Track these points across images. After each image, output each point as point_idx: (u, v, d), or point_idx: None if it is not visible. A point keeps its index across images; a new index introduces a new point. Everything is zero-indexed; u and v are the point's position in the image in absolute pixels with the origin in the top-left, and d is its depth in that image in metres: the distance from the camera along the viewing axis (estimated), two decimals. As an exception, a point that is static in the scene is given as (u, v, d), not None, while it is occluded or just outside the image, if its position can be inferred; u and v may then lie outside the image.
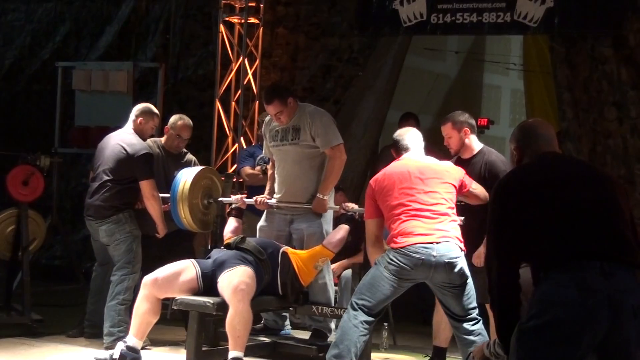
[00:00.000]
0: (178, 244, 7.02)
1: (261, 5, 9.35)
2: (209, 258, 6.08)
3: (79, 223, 9.96)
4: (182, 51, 10.44)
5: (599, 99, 8.24)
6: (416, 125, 7.79)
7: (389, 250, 5.37)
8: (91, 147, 8.78)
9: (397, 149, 5.73)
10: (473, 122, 6.28)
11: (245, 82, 9.23)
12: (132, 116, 6.90)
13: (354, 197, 8.55)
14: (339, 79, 9.49)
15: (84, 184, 10.00)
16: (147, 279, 5.90)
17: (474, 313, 5.45)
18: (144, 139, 6.88)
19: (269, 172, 6.85)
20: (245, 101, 9.28)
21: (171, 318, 7.19)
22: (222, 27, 9.32)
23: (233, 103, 9.34)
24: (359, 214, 6.35)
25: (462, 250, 5.39)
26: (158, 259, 6.42)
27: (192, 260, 6.04)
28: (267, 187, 6.79)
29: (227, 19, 9.35)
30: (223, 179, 6.97)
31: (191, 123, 7.24)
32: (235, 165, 8.99)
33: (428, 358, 6.49)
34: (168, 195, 6.64)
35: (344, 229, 6.36)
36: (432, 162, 5.65)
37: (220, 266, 5.89)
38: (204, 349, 5.97)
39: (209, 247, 6.79)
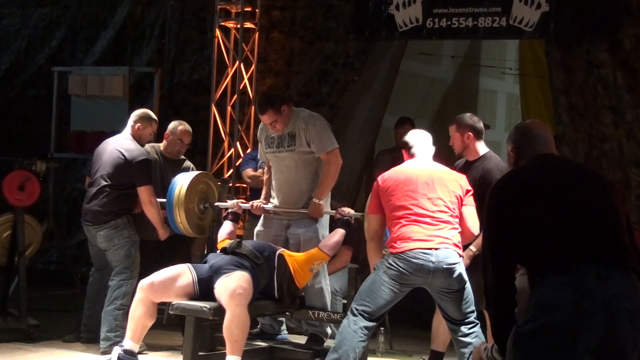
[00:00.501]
0: (176, 249, 7.01)
1: (257, 10, 9.35)
2: (205, 263, 6.08)
3: (75, 228, 9.97)
4: (177, 56, 10.44)
5: (595, 103, 8.25)
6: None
7: (388, 255, 5.38)
8: (87, 152, 8.81)
9: (408, 150, 5.73)
10: (480, 126, 6.19)
11: (241, 87, 9.23)
12: (130, 122, 6.91)
13: (350, 201, 8.56)
14: (335, 83, 9.49)
15: (79, 189, 10.01)
16: (143, 282, 5.89)
17: (472, 317, 5.47)
18: (142, 145, 6.88)
19: (265, 176, 6.86)
20: (241, 106, 9.27)
21: (167, 323, 7.18)
22: (218, 32, 9.33)
23: (229, 108, 9.33)
24: (355, 218, 6.37)
25: (460, 255, 5.40)
26: (155, 263, 6.41)
27: (189, 265, 6.03)
28: (264, 192, 6.80)
29: (223, 23, 9.35)
30: (219, 183, 6.97)
31: (190, 128, 7.25)
32: (231, 170, 9.00)
33: (424, 362, 6.50)
34: (165, 200, 6.63)
35: (339, 232, 6.36)
36: (442, 169, 5.65)
37: (216, 271, 5.88)
38: (200, 353, 5.96)
39: (205, 252, 6.79)
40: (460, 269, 5.37)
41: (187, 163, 7.31)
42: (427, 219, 5.37)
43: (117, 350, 5.89)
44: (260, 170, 7.75)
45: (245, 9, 9.22)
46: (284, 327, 6.90)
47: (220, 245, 6.31)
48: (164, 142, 7.21)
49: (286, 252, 6.28)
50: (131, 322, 5.89)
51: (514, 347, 3.49)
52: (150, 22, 10.75)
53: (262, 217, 6.71)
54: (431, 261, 5.28)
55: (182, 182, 6.56)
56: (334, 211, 6.49)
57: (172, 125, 7.21)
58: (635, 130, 8.06)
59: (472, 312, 5.46)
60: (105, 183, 6.68)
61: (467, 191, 5.59)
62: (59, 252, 10.23)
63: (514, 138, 3.91)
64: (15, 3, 11.54)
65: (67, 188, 10.74)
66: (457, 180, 5.60)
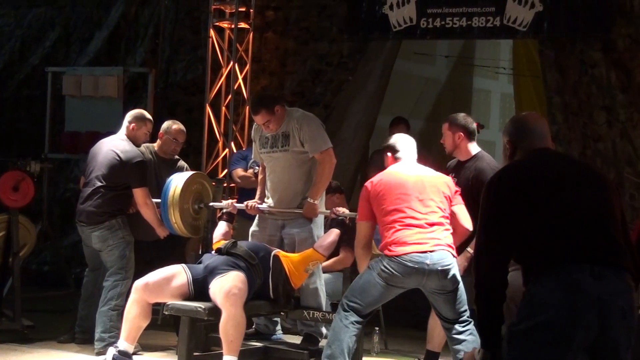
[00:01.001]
0: (171, 249, 7.00)
1: (251, 10, 9.35)
2: (200, 263, 6.08)
3: (69, 228, 9.96)
4: (171, 56, 10.43)
5: (589, 103, 8.27)
6: (406, 130, 7.82)
7: (383, 257, 5.38)
8: (81, 153, 8.80)
9: (394, 154, 5.73)
10: (473, 127, 6.18)
11: (235, 87, 9.23)
12: (125, 122, 6.90)
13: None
14: (329, 83, 9.49)
15: (72, 190, 9.99)
16: (138, 283, 5.89)
17: (465, 315, 5.49)
18: (138, 145, 6.88)
19: (260, 176, 6.85)
20: (236, 106, 9.27)
21: (162, 323, 7.19)
22: (212, 32, 9.32)
23: (223, 108, 9.33)
24: (350, 218, 6.37)
25: (454, 256, 5.43)
26: (150, 264, 6.41)
27: (183, 265, 6.02)
28: (258, 192, 6.79)
29: (217, 23, 9.35)
30: (214, 184, 6.97)
31: (184, 127, 7.25)
32: (225, 170, 8.99)
33: (419, 362, 6.51)
34: (159, 200, 6.63)
35: (334, 232, 6.36)
36: (430, 172, 5.68)
37: (211, 272, 5.88)
38: (195, 354, 5.96)
39: (200, 252, 6.79)
40: (455, 270, 5.39)
41: (181, 163, 7.31)
42: (421, 222, 5.38)
43: (111, 351, 5.88)
44: (250, 171, 7.75)
45: (240, 9, 9.22)
46: (279, 327, 6.90)
47: (215, 246, 6.31)
48: (158, 141, 7.21)
49: (281, 253, 6.28)
50: (126, 323, 5.88)
51: (509, 345, 3.50)
52: (144, 22, 10.75)
53: (256, 218, 6.70)
54: (426, 264, 5.29)
55: (176, 182, 6.56)
56: (329, 211, 6.49)
57: (165, 124, 7.21)
58: (628, 129, 8.07)
59: (465, 311, 5.49)
60: (100, 184, 6.67)
61: (456, 191, 5.64)
62: (53, 253, 10.22)
63: (510, 131, 3.89)
64: (9, 3, 11.54)
65: (61, 188, 10.73)
66: (445, 182, 5.65)
